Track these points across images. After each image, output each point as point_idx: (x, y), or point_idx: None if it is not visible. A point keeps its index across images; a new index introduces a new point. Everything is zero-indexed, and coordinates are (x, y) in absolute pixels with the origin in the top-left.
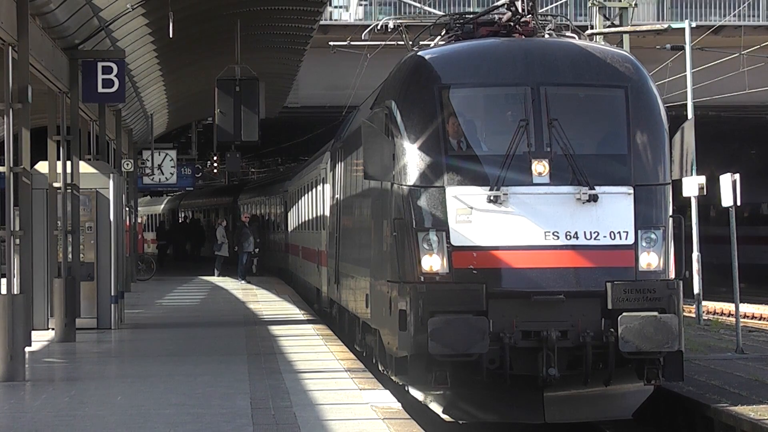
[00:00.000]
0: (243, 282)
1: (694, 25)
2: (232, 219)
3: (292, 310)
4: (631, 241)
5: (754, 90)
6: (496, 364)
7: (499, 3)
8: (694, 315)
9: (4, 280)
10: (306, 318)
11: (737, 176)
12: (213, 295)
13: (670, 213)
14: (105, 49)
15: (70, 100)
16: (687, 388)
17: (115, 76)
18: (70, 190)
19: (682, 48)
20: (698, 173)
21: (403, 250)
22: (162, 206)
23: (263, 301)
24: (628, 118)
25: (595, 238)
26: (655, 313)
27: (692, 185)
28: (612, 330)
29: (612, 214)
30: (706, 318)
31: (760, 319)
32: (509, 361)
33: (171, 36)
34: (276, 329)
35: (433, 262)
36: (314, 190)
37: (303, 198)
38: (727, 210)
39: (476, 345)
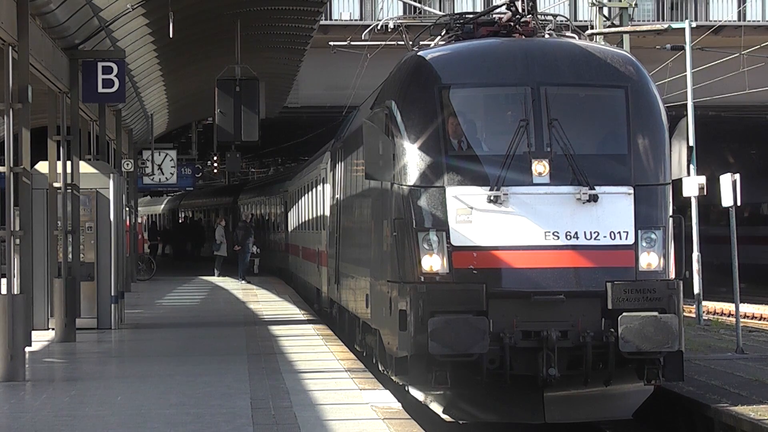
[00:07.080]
0: (243, 282)
1: (694, 25)
2: (232, 219)
3: (292, 310)
4: (631, 241)
5: (754, 90)
6: (496, 364)
7: (499, 3)
8: (694, 315)
9: (4, 280)
10: (306, 318)
11: (737, 176)
12: (213, 295)
13: (670, 213)
14: (105, 49)
15: (70, 100)
16: (687, 388)
17: (115, 76)
18: (70, 190)
19: (682, 48)
20: (698, 173)
21: (403, 250)
22: (162, 206)
23: (263, 301)
24: (628, 119)
25: (595, 238)
26: (655, 313)
27: (692, 185)
28: (612, 330)
29: (612, 214)
30: (706, 318)
31: (760, 319)
32: (509, 361)
33: (171, 36)
34: (276, 329)
35: (433, 262)
36: (314, 190)
37: (303, 198)
38: (727, 210)
39: (476, 345)
